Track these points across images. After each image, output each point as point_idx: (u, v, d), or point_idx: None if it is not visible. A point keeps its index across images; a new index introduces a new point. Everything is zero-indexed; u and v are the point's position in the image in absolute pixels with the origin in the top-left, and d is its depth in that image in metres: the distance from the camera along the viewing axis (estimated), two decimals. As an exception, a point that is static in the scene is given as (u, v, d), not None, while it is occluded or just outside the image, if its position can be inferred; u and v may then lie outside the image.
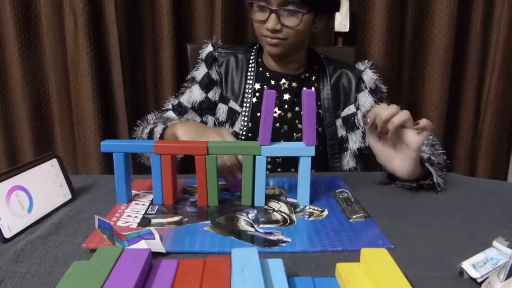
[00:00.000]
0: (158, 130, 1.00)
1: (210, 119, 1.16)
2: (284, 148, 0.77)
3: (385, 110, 0.78)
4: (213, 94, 1.15)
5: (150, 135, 1.02)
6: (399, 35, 1.53)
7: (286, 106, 1.11)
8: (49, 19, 1.43)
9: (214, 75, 1.15)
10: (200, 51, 1.18)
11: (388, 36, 1.46)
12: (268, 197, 0.81)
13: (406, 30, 1.56)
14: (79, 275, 0.49)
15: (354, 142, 1.11)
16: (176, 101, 1.16)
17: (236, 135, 1.09)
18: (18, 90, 1.47)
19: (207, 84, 1.14)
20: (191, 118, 1.15)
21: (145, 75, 1.55)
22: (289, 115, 1.11)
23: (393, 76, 1.54)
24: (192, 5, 1.49)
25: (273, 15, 0.98)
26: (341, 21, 1.51)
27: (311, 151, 0.75)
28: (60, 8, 1.42)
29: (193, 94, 1.15)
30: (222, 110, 1.13)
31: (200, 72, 1.16)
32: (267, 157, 0.75)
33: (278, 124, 1.11)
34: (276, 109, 1.11)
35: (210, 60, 1.15)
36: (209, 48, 1.17)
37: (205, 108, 1.15)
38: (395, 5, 1.45)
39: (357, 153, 1.11)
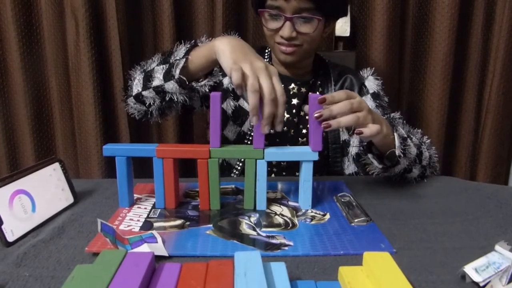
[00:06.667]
0: (182, 50, 0.92)
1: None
2: (287, 153, 0.78)
3: (340, 105, 0.76)
4: (227, 83, 1.11)
5: (165, 61, 0.93)
6: (400, 40, 1.53)
7: (294, 110, 1.11)
8: (50, 23, 1.44)
9: None
10: None
11: (389, 40, 1.47)
12: (270, 201, 0.82)
13: (406, 34, 1.56)
14: (82, 279, 0.49)
15: (352, 146, 1.10)
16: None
17: (244, 135, 1.09)
18: (19, 94, 1.47)
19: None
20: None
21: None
22: (295, 119, 1.11)
23: (394, 80, 1.54)
24: (193, 10, 1.49)
25: (288, 23, 0.97)
26: (342, 26, 1.51)
27: (314, 155, 0.76)
28: (61, 13, 1.42)
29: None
30: (228, 104, 1.11)
31: None
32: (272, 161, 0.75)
33: (286, 128, 1.11)
34: (284, 113, 1.10)
35: None
36: None
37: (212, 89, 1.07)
38: (395, 10, 1.46)
39: (355, 157, 1.10)
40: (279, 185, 0.92)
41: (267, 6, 1.00)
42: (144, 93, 0.93)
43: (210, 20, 1.49)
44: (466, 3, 1.50)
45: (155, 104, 0.94)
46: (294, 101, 1.11)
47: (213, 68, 0.92)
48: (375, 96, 1.10)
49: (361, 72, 1.16)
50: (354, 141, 1.10)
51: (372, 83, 1.12)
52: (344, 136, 1.12)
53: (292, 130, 1.11)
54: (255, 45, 1.26)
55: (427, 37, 1.53)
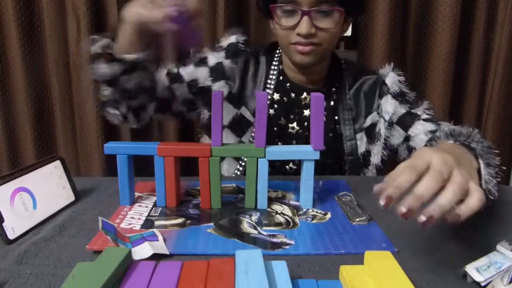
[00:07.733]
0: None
1: (206, 113, 1.06)
2: (288, 152, 0.78)
3: (425, 184, 0.50)
4: (217, 88, 1.03)
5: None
6: (401, 40, 1.53)
7: (305, 123, 1.03)
8: (51, 22, 1.44)
9: (229, 70, 1.04)
10: (221, 39, 1.09)
11: (390, 40, 1.47)
12: (271, 200, 0.82)
13: (408, 34, 1.56)
14: (83, 277, 0.49)
15: (376, 154, 1.01)
16: (174, 69, 1.03)
17: None
18: (20, 92, 1.48)
19: (218, 74, 1.03)
20: (181, 90, 1.02)
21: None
22: (306, 133, 1.04)
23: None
24: (194, 9, 1.49)
25: (305, 18, 0.87)
26: (343, 25, 1.51)
27: (315, 154, 0.76)
28: (63, 11, 1.43)
29: (198, 73, 1.03)
30: (227, 112, 1.03)
31: (214, 57, 1.05)
32: (270, 161, 0.75)
33: (295, 141, 1.04)
34: (294, 125, 1.04)
35: (232, 53, 1.05)
36: (233, 39, 1.06)
37: (198, 94, 1.04)
38: (397, 10, 1.46)
39: (380, 165, 1.01)
40: (280, 184, 0.92)
41: (279, 1, 0.91)
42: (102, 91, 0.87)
43: (212, 19, 1.49)
44: (468, 4, 1.50)
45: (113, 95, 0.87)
46: (306, 112, 1.03)
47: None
48: (396, 95, 0.99)
49: (380, 71, 1.05)
50: (376, 149, 1.01)
51: (392, 80, 1.00)
52: (362, 147, 1.03)
53: (301, 144, 1.02)
54: (264, 42, 1.23)
55: (429, 38, 1.53)
